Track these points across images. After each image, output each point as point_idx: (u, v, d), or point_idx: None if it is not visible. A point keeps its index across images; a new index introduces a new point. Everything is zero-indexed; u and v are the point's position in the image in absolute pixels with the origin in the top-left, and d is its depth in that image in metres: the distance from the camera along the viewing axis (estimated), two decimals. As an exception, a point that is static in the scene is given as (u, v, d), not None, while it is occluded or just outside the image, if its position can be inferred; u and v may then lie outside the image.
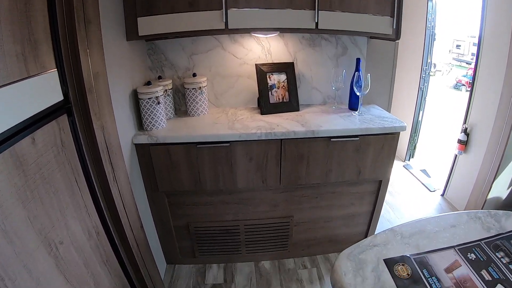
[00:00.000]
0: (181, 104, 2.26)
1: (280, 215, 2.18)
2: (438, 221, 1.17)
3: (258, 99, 2.21)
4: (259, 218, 2.17)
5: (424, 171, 3.69)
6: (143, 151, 1.86)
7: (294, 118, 2.03)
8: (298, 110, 2.17)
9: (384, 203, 2.31)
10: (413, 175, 3.64)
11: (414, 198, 3.25)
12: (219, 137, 1.81)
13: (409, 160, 3.93)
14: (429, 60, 3.58)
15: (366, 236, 2.40)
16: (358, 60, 2.12)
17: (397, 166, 3.87)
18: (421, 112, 3.75)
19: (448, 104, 6.59)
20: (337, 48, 2.25)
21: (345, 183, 2.09)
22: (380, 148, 1.95)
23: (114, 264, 1.46)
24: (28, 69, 0.98)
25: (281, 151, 1.88)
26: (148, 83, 1.90)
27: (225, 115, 2.11)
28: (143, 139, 1.82)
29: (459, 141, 2.82)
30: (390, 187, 2.33)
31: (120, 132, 1.56)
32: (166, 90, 2.02)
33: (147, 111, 1.86)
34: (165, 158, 1.87)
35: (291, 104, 2.16)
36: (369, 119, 1.99)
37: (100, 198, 1.39)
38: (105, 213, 1.42)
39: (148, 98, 1.83)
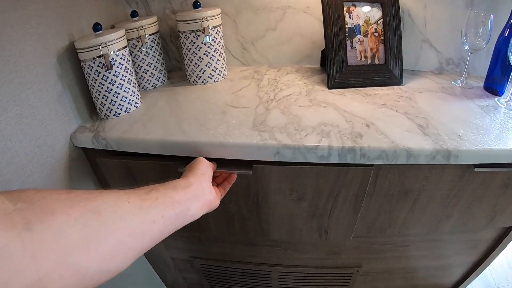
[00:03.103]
0: (181, 60, 1.11)
1: (341, 265, 1.11)
2: None
3: (323, 53, 1.06)
4: (305, 266, 1.12)
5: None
6: (93, 158, 0.85)
7: (396, 103, 0.86)
8: (400, 83, 0.97)
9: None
10: None
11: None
12: (224, 151, 0.72)
13: None
14: None
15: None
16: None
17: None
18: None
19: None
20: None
21: (459, 230, 1.00)
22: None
23: None
24: None
25: (368, 185, 0.79)
26: (96, 28, 0.80)
27: (255, 84, 0.96)
28: (85, 139, 0.79)
29: None
30: None
31: (33, 130, 0.69)
32: (139, 37, 0.91)
33: (93, 83, 0.80)
34: (126, 178, 0.83)
35: (387, 71, 0.95)
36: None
37: None
38: None
39: (92, 59, 0.76)
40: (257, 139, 0.70)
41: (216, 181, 0.71)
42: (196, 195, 0.54)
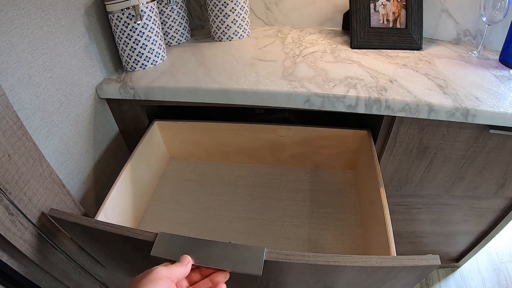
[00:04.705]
0: (204, 18, 1.17)
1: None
2: None
3: (346, 15, 1.09)
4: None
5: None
6: (120, 112, 0.90)
7: (416, 65, 0.91)
8: (420, 48, 1.03)
9: None
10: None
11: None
12: (256, 98, 0.77)
13: None
14: None
15: (459, 258, 1.44)
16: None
17: None
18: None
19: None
20: None
21: (469, 196, 1.07)
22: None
23: None
24: None
25: (389, 135, 0.86)
26: None
27: (279, 42, 1.01)
28: (112, 90, 0.83)
29: None
30: None
31: (60, 79, 0.71)
32: None
33: (121, 35, 0.84)
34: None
35: (408, 35, 1.00)
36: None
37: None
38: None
39: (121, 11, 0.80)
40: (288, 87, 0.75)
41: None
42: None
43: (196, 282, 0.48)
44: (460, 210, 1.14)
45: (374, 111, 0.75)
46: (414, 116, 0.76)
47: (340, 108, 0.74)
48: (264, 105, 0.76)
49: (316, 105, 0.74)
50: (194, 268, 0.49)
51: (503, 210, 1.15)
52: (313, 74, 0.81)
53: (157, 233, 0.53)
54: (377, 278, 0.57)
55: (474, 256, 1.42)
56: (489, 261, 1.51)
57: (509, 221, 1.18)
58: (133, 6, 0.81)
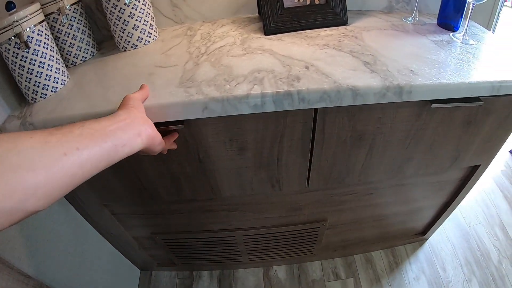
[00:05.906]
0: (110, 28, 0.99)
1: (304, 220, 1.04)
2: None
3: None
4: (267, 226, 1.05)
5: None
6: None
7: (340, 43, 0.75)
8: (345, 23, 0.87)
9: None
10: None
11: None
12: (150, 113, 0.58)
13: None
14: None
15: (425, 231, 1.32)
16: None
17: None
18: None
19: None
20: None
21: (423, 173, 0.93)
22: (504, 118, 0.73)
23: None
24: None
25: (315, 129, 0.70)
26: (9, 7, 0.65)
27: (186, 41, 0.83)
28: (14, 128, 0.66)
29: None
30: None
31: None
32: (59, 9, 0.77)
33: (13, 67, 0.67)
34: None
35: (329, 11, 0.84)
36: (492, 53, 0.71)
37: None
38: None
39: (8, 41, 0.63)
40: (182, 96, 0.59)
41: None
42: (128, 124, 0.46)
43: None
44: (417, 187, 1.01)
45: (287, 107, 0.60)
46: (337, 105, 0.61)
47: (245, 110, 0.59)
48: (161, 120, 0.60)
49: (217, 111, 0.59)
50: None
51: (461, 179, 1.02)
52: (215, 74, 0.65)
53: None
54: (272, 130, 0.69)
55: (441, 226, 1.30)
56: (457, 227, 1.40)
57: (470, 189, 1.06)
58: (16, 34, 0.64)
